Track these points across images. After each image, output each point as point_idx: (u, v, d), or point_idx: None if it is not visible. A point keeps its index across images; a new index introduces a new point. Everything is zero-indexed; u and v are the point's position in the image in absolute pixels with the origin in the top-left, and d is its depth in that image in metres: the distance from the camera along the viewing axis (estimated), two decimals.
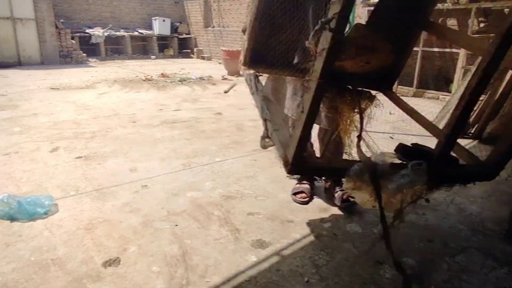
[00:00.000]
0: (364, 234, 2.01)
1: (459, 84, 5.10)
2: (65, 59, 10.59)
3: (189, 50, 13.90)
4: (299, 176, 2.43)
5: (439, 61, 6.69)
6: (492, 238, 2.03)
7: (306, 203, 2.32)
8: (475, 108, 3.92)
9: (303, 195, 2.35)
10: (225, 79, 8.12)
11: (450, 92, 5.83)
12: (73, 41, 10.87)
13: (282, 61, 1.69)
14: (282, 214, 2.19)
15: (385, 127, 3.97)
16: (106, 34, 11.99)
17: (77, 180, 2.61)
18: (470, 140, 3.67)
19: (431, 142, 1.61)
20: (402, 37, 1.82)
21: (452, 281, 1.65)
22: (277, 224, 2.07)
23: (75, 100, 5.44)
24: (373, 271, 1.70)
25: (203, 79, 7.92)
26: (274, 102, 2.00)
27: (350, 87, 1.71)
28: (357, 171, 1.34)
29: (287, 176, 2.52)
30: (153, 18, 13.43)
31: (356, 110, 1.69)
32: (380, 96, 1.83)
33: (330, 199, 2.36)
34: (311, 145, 2.36)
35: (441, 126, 2.00)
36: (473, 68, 3.61)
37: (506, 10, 5.90)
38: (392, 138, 3.74)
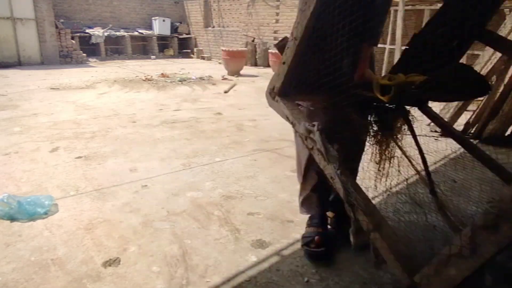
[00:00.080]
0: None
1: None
2: (65, 59, 10.60)
3: (189, 50, 13.90)
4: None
5: None
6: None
7: (323, 255, 1.74)
8: (475, 108, 3.93)
9: (317, 243, 1.75)
10: (225, 79, 8.12)
11: None
12: (73, 41, 10.87)
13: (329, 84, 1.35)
14: (282, 214, 2.19)
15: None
16: (106, 34, 11.99)
17: (77, 180, 2.61)
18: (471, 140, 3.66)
19: None
20: (453, 49, 1.56)
21: None
22: (277, 224, 2.07)
23: (75, 100, 5.44)
24: (373, 271, 1.69)
25: (203, 79, 7.92)
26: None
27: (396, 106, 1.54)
28: None
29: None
30: (153, 18, 13.44)
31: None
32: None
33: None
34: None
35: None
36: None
37: (506, 10, 5.91)
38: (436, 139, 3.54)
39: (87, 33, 11.65)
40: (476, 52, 5.27)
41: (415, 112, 1.63)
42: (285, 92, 1.44)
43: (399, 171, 1.63)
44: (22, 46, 9.85)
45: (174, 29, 13.85)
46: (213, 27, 13.22)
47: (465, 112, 3.99)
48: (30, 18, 9.89)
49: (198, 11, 13.67)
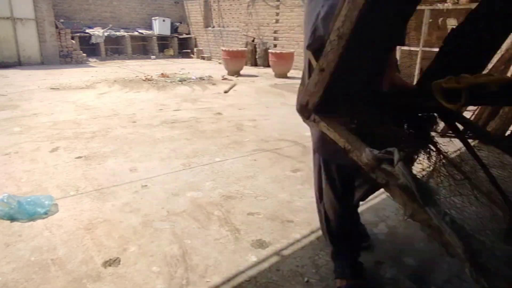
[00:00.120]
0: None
1: None
2: (65, 59, 10.60)
3: (189, 50, 13.90)
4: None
5: None
6: (492, 238, 2.03)
7: None
8: (474, 108, 3.93)
9: None
10: (225, 79, 8.12)
11: None
12: (73, 41, 10.87)
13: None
14: (282, 214, 2.19)
15: None
16: (106, 34, 11.99)
17: (77, 180, 2.61)
18: (470, 140, 3.67)
19: None
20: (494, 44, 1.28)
21: (452, 281, 1.65)
22: (277, 224, 2.07)
23: (75, 100, 5.44)
24: (373, 271, 1.69)
25: (203, 79, 7.92)
26: None
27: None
28: None
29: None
30: (153, 18, 13.44)
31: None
32: None
33: None
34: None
35: None
36: None
37: None
38: None
39: (87, 33, 11.65)
40: None
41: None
42: (326, 109, 1.12)
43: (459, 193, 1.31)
44: (22, 46, 9.85)
45: (174, 29, 13.85)
46: (213, 27, 13.22)
47: (465, 111, 4.00)
48: (30, 18, 9.88)
49: (198, 11, 13.67)
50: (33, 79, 7.46)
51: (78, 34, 11.28)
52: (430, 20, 6.27)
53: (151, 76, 8.10)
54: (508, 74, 3.57)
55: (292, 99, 5.99)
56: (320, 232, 2.00)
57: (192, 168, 2.87)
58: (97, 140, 3.53)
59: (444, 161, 1.32)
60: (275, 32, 10.59)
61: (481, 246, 0.80)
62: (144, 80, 7.61)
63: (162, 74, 8.39)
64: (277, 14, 10.41)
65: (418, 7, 6.88)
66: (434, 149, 1.30)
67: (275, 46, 10.52)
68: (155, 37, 13.20)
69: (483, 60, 1.26)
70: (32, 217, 2.05)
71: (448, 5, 5.91)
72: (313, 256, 1.78)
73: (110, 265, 1.68)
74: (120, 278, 1.60)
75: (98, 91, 6.27)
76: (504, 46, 3.53)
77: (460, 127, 1.42)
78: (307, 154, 3.19)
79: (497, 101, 1.20)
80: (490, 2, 1.18)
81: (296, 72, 9.48)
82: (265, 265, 1.72)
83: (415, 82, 1.49)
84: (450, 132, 1.35)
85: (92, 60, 11.41)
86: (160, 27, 13.24)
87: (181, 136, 3.71)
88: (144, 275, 1.62)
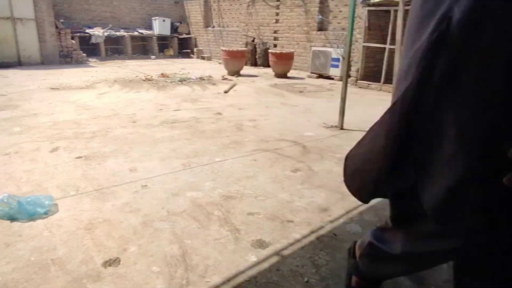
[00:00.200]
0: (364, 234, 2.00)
1: None
2: (65, 59, 10.60)
3: (189, 50, 13.91)
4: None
5: None
6: None
7: None
8: None
9: None
10: (225, 79, 8.12)
11: None
12: (73, 41, 10.87)
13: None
14: (282, 214, 2.19)
15: None
16: (106, 34, 12.00)
17: (77, 180, 2.61)
18: None
19: None
20: None
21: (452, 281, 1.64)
22: (277, 224, 2.08)
23: (75, 100, 5.44)
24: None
25: (203, 79, 7.92)
26: None
27: None
28: None
29: None
30: (153, 18, 13.45)
31: None
32: None
33: None
34: None
35: None
36: None
37: None
38: None
39: (87, 33, 11.66)
40: None
41: None
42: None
43: None
44: (22, 46, 9.86)
45: (174, 29, 13.86)
46: (213, 27, 13.22)
47: None
48: (30, 18, 9.89)
49: (198, 11, 13.67)
50: (33, 79, 7.46)
51: (78, 34, 11.28)
52: None
53: (151, 76, 8.10)
54: None
55: (292, 99, 5.99)
56: (320, 232, 2.00)
57: (192, 168, 2.87)
58: (97, 140, 3.53)
59: None
60: (275, 32, 10.60)
61: None
62: (144, 80, 7.62)
63: (162, 74, 8.39)
64: (277, 14, 10.41)
65: None
66: None
67: (275, 46, 10.52)
68: (155, 37, 13.20)
69: None
70: (32, 217, 2.05)
71: None
72: (313, 256, 1.79)
73: (110, 265, 1.68)
74: (120, 278, 1.60)
75: (98, 91, 6.27)
76: None
77: None
78: (307, 154, 3.19)
79: None
80: None
81: (296, 72, 9.49)
82: (265, 265, 1.72)
83: None
84: None
85: (92, 60, 11.42)
86: (160, 27, 13.25)
87: (181, 136, 3.72)
88: (144, 275, 1.62)
